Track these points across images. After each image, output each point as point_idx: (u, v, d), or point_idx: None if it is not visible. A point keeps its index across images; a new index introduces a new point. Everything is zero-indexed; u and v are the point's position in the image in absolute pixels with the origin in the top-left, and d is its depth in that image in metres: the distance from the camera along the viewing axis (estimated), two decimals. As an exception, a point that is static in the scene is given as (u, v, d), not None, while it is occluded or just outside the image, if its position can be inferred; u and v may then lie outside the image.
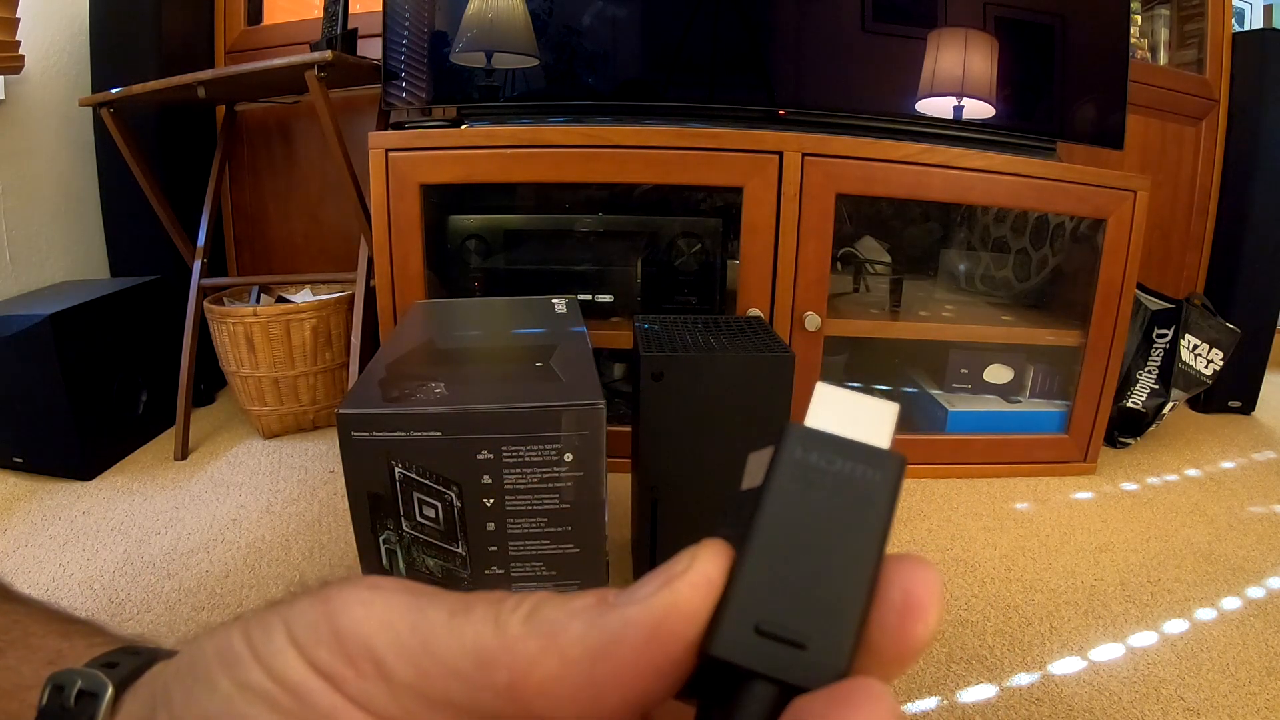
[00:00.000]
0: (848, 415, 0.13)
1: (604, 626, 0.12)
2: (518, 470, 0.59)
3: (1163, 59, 1.79)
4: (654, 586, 0.12)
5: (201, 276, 1.44)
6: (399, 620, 0.14)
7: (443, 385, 0.62)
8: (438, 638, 0.13)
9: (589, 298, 1.32)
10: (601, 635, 0.12)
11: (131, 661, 0.20)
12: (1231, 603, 0.94)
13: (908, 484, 1.27)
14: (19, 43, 1.40)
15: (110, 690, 0.19)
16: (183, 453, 1.35)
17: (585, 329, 0.80)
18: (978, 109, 1.33)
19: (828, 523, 0.12)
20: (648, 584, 0.13)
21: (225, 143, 1.58)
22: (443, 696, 0.13)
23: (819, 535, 0.12)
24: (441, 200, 1.31)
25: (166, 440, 1.42)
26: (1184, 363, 1.44)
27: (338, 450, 0.58)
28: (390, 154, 1.17)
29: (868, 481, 0.12)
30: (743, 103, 1.30)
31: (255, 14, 1.74)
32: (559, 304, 0.92)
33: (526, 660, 0.13)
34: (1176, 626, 0.88)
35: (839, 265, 1.47)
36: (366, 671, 0.14)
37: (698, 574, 0.12)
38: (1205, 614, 0.91)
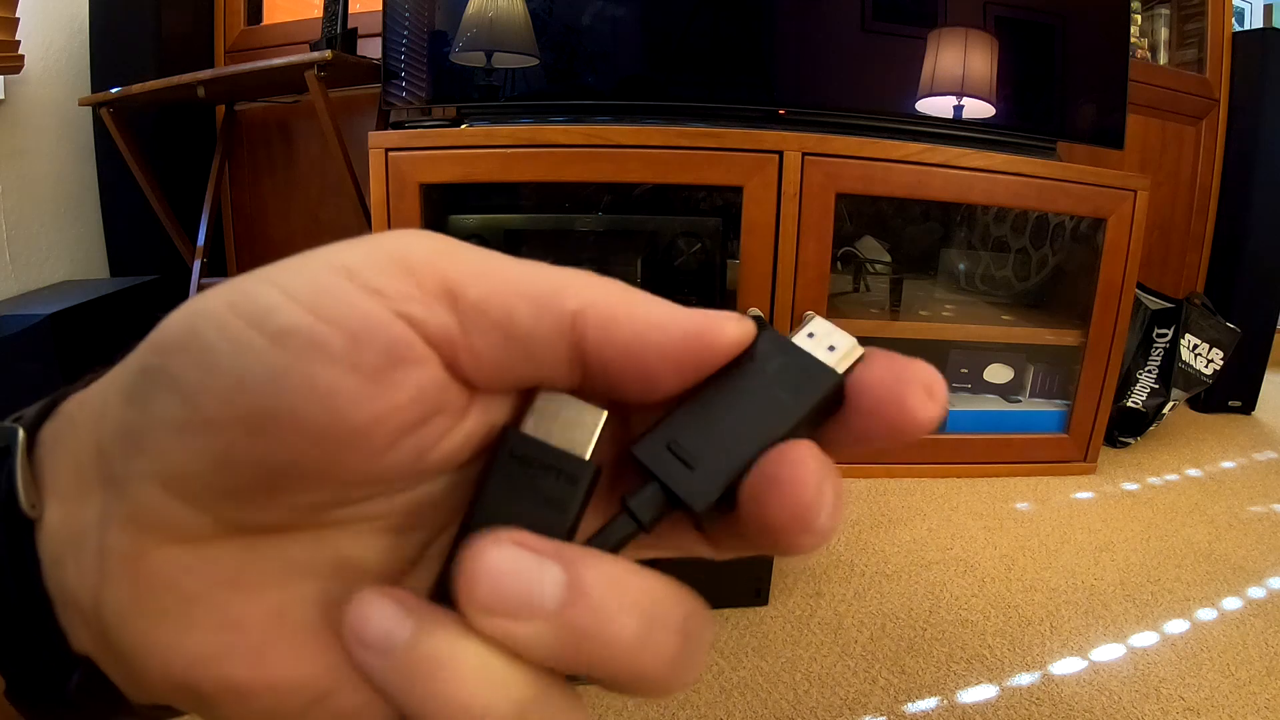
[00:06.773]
0: None
1: (665, 307, 0.15)
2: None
3: (1163, 59, 1.79)
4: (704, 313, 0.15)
5: (201, 276, 1.44)
6: (466, 251, 0.14)
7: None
8: (509, 266, 0.14)
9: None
10: (663, 312, 0.15)
11: (38, 406, 0.15)
12: (1231, 603, 0.93)
13: (908, 484, 1.27)
14: (19, 43, 1.40)
15: (20, 434, 0.15)
16: (183, 452, 1.35)
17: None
18: (978, 108, 1.33)
19: (762, 395, 0.15)
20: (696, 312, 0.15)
21: (225, 142, 1.58)
22: (505, 317, 0.13)
23: (748, 404, 0.15)
24: (442, 200, 1.31)
25: (166, 440, 1.42)
26: (1184, 362, 1.43)
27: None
28: (390, 153, 1.17)
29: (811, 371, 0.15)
30: (743, 102, 1.30)
31: (255, 13, 1.74)
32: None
33: (597, 291, 0.14)
34: (1176, 626, 0.88)
35: (839, 265, 1.47)
36: (430, 287, 0.13)
37: (735, 325, 0.15)
38: (1205, 614, 0.91)
